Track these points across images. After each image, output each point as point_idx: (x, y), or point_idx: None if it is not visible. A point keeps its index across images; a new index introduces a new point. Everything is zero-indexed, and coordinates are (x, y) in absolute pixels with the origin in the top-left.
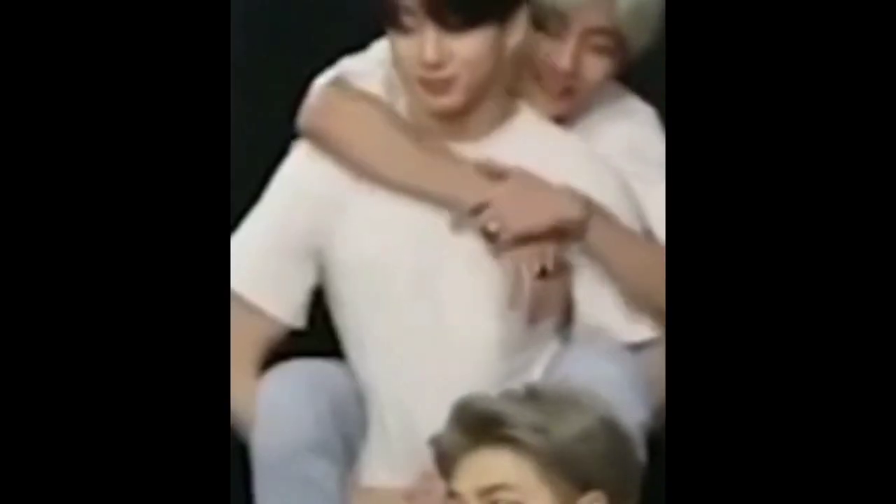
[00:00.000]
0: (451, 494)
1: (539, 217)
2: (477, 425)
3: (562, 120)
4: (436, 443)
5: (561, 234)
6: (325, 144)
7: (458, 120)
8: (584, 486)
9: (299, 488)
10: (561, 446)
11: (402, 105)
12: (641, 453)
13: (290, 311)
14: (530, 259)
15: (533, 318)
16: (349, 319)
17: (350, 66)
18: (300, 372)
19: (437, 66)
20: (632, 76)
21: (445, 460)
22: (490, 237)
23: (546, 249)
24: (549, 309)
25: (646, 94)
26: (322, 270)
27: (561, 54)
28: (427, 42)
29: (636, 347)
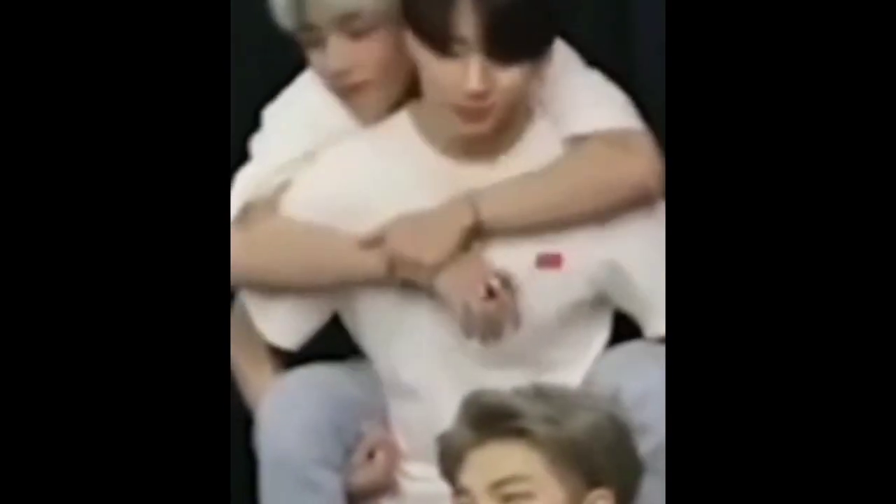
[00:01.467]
0: (459, 491)
1: (440, 239)
2: (487, 418)
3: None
4: (443, 440)
5: (468, 240)
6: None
7: (481, 141)
8: (593, 482)
9: (304, 492)
10: (571, 438)
11: (405, 126)
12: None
13: (295, 343)
14: (473, 285)
15: (491, 337)
16: (367, 343)
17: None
18: (303, 383)
19: (481, 96)
20: (632, 75)
21: (451, 458)
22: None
23: (484, 269)
24: (506, 324)
25: (646, 95)
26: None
27: (469, 77)
28: (474, 72)
29: None
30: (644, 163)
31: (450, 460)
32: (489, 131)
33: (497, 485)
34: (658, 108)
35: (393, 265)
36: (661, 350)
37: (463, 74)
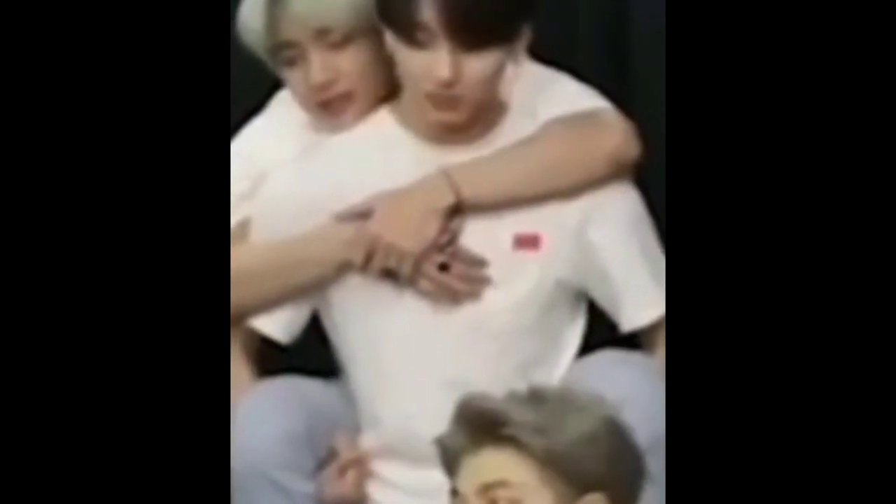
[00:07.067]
0: (454, 493)
1: (423, 224)
2: (479, 424)
3: (468, 126)
4: (440, 443)
5: (450, 219)
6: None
7: (458, 130)
8: (585, 488)
9: (274, 495)
10: (561, 448)
11: (385, 120)
12: (656, 462)
13: (286, 334)
14: (425, 266)
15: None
16: (345, 331)
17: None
18: (278, 390)
19: (449, 84)
20: (632, 74)
21: (449, 460)
22: (392, 272)
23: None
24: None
25: (646, 91)
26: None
27: (438, 65)
28: (442, 60)
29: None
30: (618, 134)
31: (448, 462)
32: (464, 120)
33: (485, 488)
34: (657, 107)
35: (372, 254)
36: (635, 356)
37: (432, 63)
